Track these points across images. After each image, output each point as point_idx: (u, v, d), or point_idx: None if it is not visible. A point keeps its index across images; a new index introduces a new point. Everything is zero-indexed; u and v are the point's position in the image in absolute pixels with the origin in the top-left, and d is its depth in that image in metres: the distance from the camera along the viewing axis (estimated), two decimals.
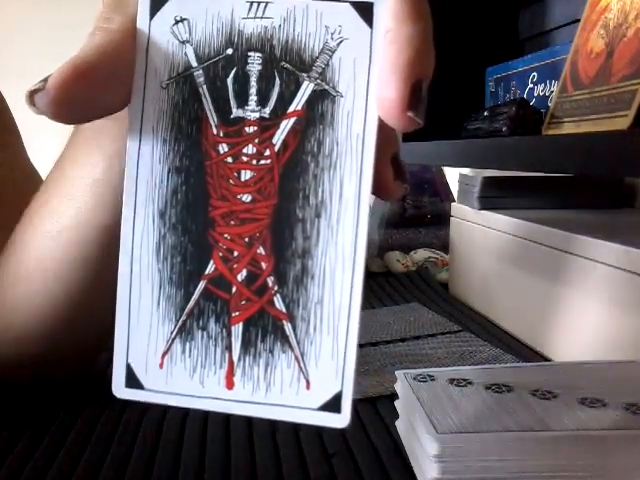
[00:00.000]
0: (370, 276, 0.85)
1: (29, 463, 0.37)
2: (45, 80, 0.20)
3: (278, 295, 0.22)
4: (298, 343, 0.22)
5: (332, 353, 0.21)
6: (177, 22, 0.22)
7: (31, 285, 0.39)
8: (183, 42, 0.22)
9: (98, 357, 0.49)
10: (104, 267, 0.37)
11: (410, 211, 0.97)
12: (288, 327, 0.22)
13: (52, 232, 0.37)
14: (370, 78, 0.21)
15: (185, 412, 0.43)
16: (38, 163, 0.55)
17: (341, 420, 0.21)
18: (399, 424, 0.38)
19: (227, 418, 0.42)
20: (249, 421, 0.41)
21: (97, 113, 0.22)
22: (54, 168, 0.38)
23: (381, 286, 0.81)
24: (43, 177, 0.42)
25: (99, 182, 0.35)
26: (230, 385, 0.22)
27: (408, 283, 0.82)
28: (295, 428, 0.40)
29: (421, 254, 0.90)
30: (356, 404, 0.44)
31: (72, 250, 0.37)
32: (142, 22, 0.22)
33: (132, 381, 0.23)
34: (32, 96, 0.21)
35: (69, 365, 0.46)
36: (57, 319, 0.40)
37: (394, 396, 0.39)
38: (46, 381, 0.47)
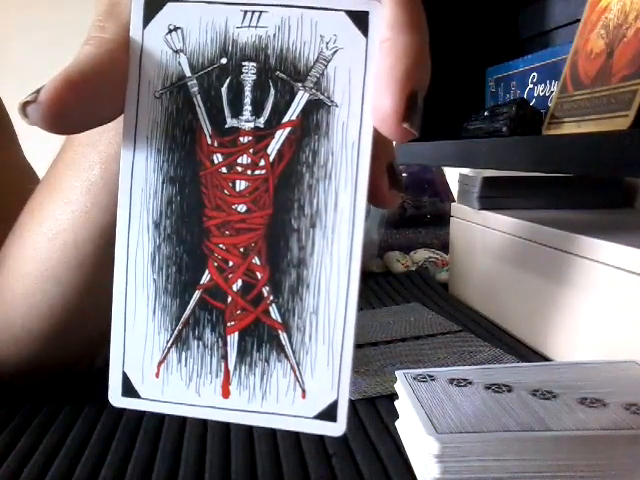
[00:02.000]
0: (370, 276, 0.85)
1: (29, 463, 0.37)
2: (38, 92, 0.20)
3: (273, 305, 0.22)
4: (294, 352, 0.22)
5: (328, 362, 0.21)
6: (171, 31, 0.22)
7: (28, 285, 0.39)
8: (177, 51, 0.22)
9: (97, 358, 0.49)
10: (100, 269, 0.37)
11: (410, 211, 0.97)
12: (284, 337, 0.22)
13: (49, 234, 0.37)
14: (365, 88, 0.21)
15: None
16: (35, 163, 0.55)
17: (337, 429, 0.21)
18: (399, 424, 0.38)
19: None
20: None
21: (90, 124, 0.22)
22: (50, 169, 0.38)
23: (381, 286, 0.80)
24: (40, 177, 0.42)
25: (95, 184, 0.35)
26: (226, 394, 0.22)
27: (408, 283, 0.82)
28: None
29: (421, 254, 0.90)
30: (356, 404, 0.44)
31: (68, 252, 0.37)
32: (135, 31, 0.22)
33: (128, 390, 0.23)
34: (25, 108, 0.20)
35: (66, 365, 0.46)
36: (54, 319, 0.40)
37: (394, 396, 0.39)
38: (43, 381, 0.47)
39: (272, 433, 0.40)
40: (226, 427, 0.41)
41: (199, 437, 0.39)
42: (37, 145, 0.66)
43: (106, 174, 0.34)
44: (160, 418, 0.42)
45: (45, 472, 0.36)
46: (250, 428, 0.40)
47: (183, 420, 0.42)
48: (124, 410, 0.43)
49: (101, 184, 0.34)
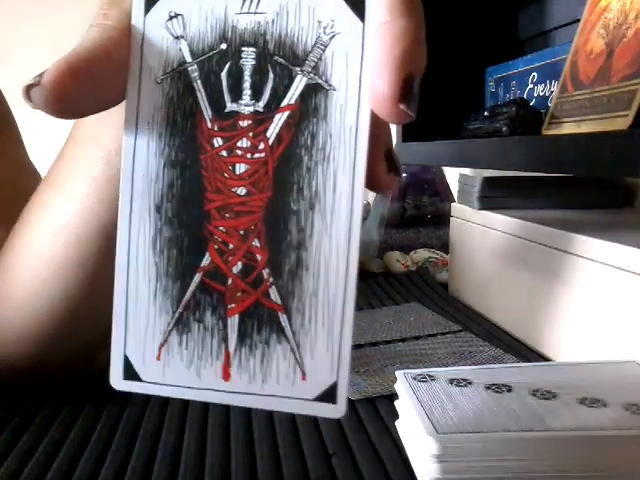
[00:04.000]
0: (370, 276, 0.85)
1: (29, 463, 0.37)
2: (41, 75, 0.21)
3: (273, 287, 0.22)
4: (294, 334, 0.22)
5: (327, 344, 0.21)
6: (171, 18, 0.22)
7: (29, 283, 0.39)
8: (177, 37, 0.22)
9: (98, 356, 0.49)
10: (102, 265, 0.37)
11: (410, 211, 0.97)
12: (283, 319, 0.22)
13: (51, 230, 0.37)
14: (362, 71, 0.21)
15: (184, 412, 0.43)
16: (37, 161, 0.55)
17: (336, 411, 0.21)
18: (399, 424, 0.38)
19: (227, 418, 0.42)
20: (249, 420, 0.41)
21: (93, 108, 0.22)
22: (53, 165, 0.38)
23: (381, 286, 0.80)
24: (42, 174, 0.42)
25: (97, 180, 0.35)
26: (227, 376, 0.22)
27: (408, 283, 0.82)
28: (295, 427, 0.40)
29: (421, 254, 0.90)
30: (356, 404, 0.44)
31: (70, 248, 0.37)
32: (137, 18, 0.22)
33: (130, 373, 0.23)
34: (28, 91, 0.21)
35: (67, 365, 0.46)
36: (55, 317, 0.40)
37: (394, 396, 0.39)
38: (44, 381, 0.47)
39: (272, 433, 0.40)
40: (226, 426, 0.41)
41: (199, 437, 0.39)
42: (39, 142, 0.66)
43: (108, 169, 0.34)
44: (160, 418, 0.42)
45: (45, 472, 0.36)
46: (250, 426, 0.40)
47: (183, 419, 0.42)
48: (124, 410, 0.43)
49: (103, 179, 0.34)
